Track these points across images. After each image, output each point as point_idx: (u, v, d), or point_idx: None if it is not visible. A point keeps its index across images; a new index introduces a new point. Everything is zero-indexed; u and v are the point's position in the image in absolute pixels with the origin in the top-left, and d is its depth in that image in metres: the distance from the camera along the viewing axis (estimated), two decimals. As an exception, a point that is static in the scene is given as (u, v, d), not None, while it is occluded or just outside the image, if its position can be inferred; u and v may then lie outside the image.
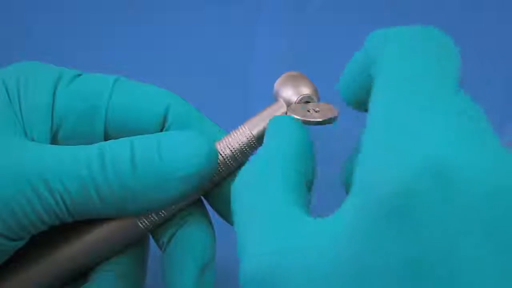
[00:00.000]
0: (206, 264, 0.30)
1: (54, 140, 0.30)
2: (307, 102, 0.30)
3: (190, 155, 0.27)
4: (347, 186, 0.28)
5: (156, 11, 0.51)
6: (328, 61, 0.47)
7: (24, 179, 0.27)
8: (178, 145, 0.28)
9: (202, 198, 0.32)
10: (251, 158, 0.26)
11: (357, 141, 0.28)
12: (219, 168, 0.30)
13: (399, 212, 0.19)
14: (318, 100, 0.30)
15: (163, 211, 0.30)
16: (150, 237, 0.32)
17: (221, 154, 0.30)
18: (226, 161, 0.30)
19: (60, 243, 0.30)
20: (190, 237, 0.30)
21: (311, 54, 0.49)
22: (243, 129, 0.30)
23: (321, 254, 0.20)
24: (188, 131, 0.29)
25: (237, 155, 0.30)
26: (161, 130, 0.31)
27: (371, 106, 0.22)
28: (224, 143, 0.30)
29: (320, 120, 0.29)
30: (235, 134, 0.30)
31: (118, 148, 0.28)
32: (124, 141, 0.28)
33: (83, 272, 0.31)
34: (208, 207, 0.32)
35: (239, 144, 0.30)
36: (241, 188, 0.25)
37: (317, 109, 0.29)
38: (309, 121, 0.29)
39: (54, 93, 0.30)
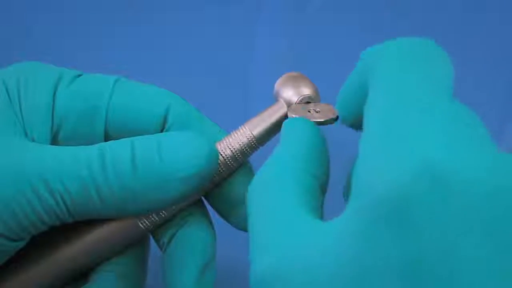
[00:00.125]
0: (207, 264, 0.30)
1: (54, 141, 0.30)
2: (308, 102, 0.30)
3: (191, 156, 0.27)
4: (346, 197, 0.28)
5: (156, 11, 0.51)
6: (328, 61, 0.47)
7: (24, 180, 0.27)
8: (179, 146, 0.28)
9: (203, 198, 0.32)
10: (267, 161, 0.26)
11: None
12: (219, 169, 0.30)
13: (398, 213, 0.19)
14: (319, 100, 0.30)
15: (163, 211, 0.30)
16: (151, 237, 0.32)
17: (221, 155, 0.30)
18: (226, 162, 0.30)
19: (61, 243, 0.30)
20: (190, 237, 0.30)
21: (311, 54, 0.49)
22: (244, 129, 0.30)
23: (324, 256, 0.20)
24: (189, 132, 0.29)
25: (238, 155, 0.30)
26: (162, 131, 0.31)
27: (367, 113, 0.22)
28: (225, 143, 0.30)
29: (321, 120, 0.29)
30: (236, 135, 0.30)
31: (118, 149, 0.28)
32: (124, 142, 0.28)
33: (84, 273, 0.31)
34: (208, 207, 0.32)
35: (240, 145, 0.30)
36: (255, 192, 0.25)
37: (318, 109, 0.29)
38: None
39: (54, 94, 0.30)
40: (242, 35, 0.50)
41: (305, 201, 0.24)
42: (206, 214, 0.31)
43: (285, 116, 0.30)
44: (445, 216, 0.18)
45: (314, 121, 0.29)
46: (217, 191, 0.31)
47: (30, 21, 0.50)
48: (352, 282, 0.20)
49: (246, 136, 0.30)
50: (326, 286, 0.20)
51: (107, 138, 0.31)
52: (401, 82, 0.22)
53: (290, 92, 0.30)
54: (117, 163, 0.27)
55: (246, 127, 0.30)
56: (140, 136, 0.28)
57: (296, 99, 0.30)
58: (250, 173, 0.31)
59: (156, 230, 0.31)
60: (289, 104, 0.30)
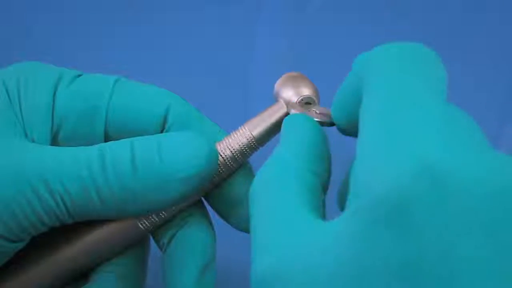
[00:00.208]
0: (207, 264, 0.30)
1: (54, 141, 0.30)
2: (308, 103, 0.30)
3: (190, 157, 0.27)
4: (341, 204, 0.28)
5: (156, 11, 0.51)
6: (328, 61, 0.47)
7: (24, 180, 0.27)
8: (178, 147, 0.28)
9: (203, 199, 0.32)
10: (268, 159, 0.26)
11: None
12: (219, 169, 0.30)
13: (398, 213, 0.19)
14: (319, 100, 0.30)
15: (163, 212, 0.30)
16: (151, 237, 0.32)
17: (221, 155, 0.30)
18: (226, 162, 0.30)
19: (61, 244, 0.30)
20: (190, 238, 0.30)
21: (311, 54, 0.49)
22: (244, 130, 0.30)
23: (324, 255, 0.20)
24: (188, 132, 0.29)
25: (238, 156, 0.30)
26: (162, 131, 0.31)
27: (362, 116, 0.22)
28: (224, 144, 0.30)
29: (320, 121, 0.29)
30: (236, 135, 0.30)
31: (118, 149, 0.28)
32: (124, 142, 0.28)
33: (84, 273, 0.31)
34: (208, 208, 0.32)
35: (240, 145, 0.30)
36: (257, 192, 0.25)
37: (318, 111, 0.29)
38: None
39: (54, 94, 0.30)
40: (242, 35, 0.50)
41: (306, 200, 0.24)
42: (206, 215, 0.31)
43: (285, 117, 0.30)
44: (445, 216, 0.18)
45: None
46: (217, 191, 0.31)
47: (30, 21, 0.50)
48: (352, 282, 0.20)
49: (246, 137, 0.30)
50: (326, 285, 0.20)
51: (107, 138, 0.31)
52: (396, 85, 0.22)
53: (290, 93, 0.30)
54: (117, 163, 0.27)
55: (246, 128, 0.30)
56: (140, 137, 0.28)
57: (296, 100, 0.30)
58: (250, 173, 0.31)
59: (156, 230, 0.31)
60: (289, 104, 0.30)
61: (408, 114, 0.21)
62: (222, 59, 0.49)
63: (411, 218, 0.19)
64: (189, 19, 0.51)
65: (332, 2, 0.51)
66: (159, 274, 0.31)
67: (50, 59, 0.33)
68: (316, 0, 0.52)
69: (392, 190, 0.19)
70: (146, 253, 0.32)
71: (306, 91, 0.30)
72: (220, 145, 0.30)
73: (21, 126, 0.29)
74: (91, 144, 0.28)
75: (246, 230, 0.30)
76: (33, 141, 0.29)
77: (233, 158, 0.30)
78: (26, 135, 0.29)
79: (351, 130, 0.26)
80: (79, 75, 0.31)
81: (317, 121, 0.29)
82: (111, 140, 0.29)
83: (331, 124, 0.29)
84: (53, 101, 0.30)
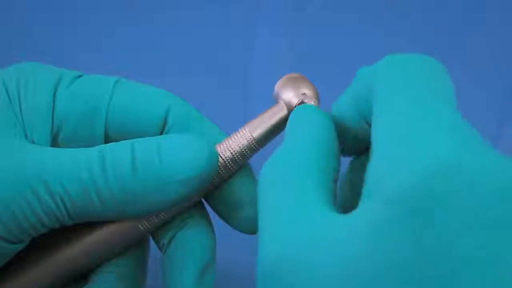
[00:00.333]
0: (206, 265, 0.30)
1: (54, 142, 0.30)
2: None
3: (191, 158, 0.27)
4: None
5: (156, 11, 0.51)
6: (328, 62, 0.47)
7: (24, 182, 0.27)
8: (179, 148, 0.28)
9: (203, 200, 0.32)
10: (276, 152, 0.26)
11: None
12: (219, 171, 0.29)
13: (416, 212, 0.19)
14: (319, 102, 0.30)
15: (163, 213, 0.30)
16: (151, 238, 0.32)
17: (221, 157, 0.29)
18: (226, 164, 0.30)
19: (61, 245, 0.30)
20: (190, 239, 0.30)
21: (311, 55, 0.49)
22: (244, 131, 0.30)
23: (339, 248, 0.20)
24: (188, 134, 0.29)
25: (238, 157, 0.30)
26: (162, 132, 0.31)
27: (375, 124, 0.23)
28: (225, 145, 0.30)
29: None
30: (236, 137, 0.30)
31: (118, 151, 0.28)
32: (124, 144, 0.28)
33: (84, 274, 0.31)
34: (208, 209, 0.32)
35: (240, 147, 0.30)
36: (264, 187, 0.25)
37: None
38: None
39: (54, 95, 0.30)
40: (242, 35, 0.50)
41: (321, 191, 0.24)
42: (206, 216, 0.31)
43: (286, 118, 0.30)
44: (465, 214, 0.19)
45: None
46: (217, 193, 0.31)
47: (30, 21, 0.50)
48: (367, 279, 0.19)
49: (246, 138, 0.30)
50: (339, 281, 0.20)
51: (107, 139, 0.31)
52: (408, 94, 0.22)
53: (290, 94, 0.30)
54: (117, 165, 0.27)
55: (246, 129, 0.30)
56: (140, 138, 0.28)
57: (296, 101, 0.30)
58: (250, 175, 0.31)
59: (156, 231, 0.31)
60: (289, 106, 0.30)
61: (422, 122, 0.21)
62: (222, 59, 0.49)
63: (431, 216, 0.19)
64: (189, 19, 0.51)
65: (332, 2, 0.51)
66: (159, 275, 0.31)
67: (50, 59, 0.33)
68: (316, 0, 0.52)
69: (408, 189, 0.19)
70: (146, 254, 0.32)
71: (306, 93, 0.30)
72: (220, 147, 0.30)
73: (21, 127, 0.29)
74: (91, 145, 0.28)
75: (247, 231, 0.30)
76: (33, 142, 0.29)
77: (234, 159, 0.30)
78: (26, 136, 0.29)
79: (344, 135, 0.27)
80: (79, 76, 0.31)
81: None
82: (111, 141, 0.29)
83: None
84: (53, 102, 0.30)
